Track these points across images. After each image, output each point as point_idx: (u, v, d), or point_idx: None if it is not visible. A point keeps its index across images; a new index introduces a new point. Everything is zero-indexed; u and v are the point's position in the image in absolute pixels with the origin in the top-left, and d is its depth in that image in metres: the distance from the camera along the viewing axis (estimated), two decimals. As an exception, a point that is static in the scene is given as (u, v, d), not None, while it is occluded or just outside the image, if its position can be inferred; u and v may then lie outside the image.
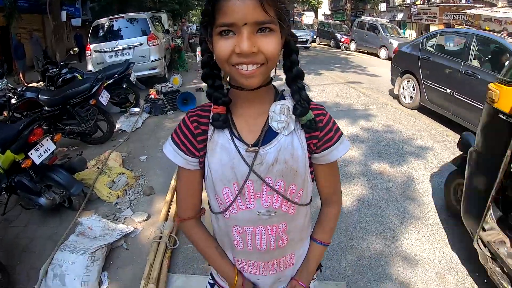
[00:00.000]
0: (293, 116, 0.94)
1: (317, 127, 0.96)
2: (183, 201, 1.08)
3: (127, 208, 3.60)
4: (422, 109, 6.52)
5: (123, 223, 3.30)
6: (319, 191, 1.10)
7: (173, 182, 3.79)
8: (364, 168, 4.18)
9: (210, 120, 0.96)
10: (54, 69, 6.81)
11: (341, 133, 1.01)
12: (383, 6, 27.60)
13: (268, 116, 0.95)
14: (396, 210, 3.33)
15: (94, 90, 5.01)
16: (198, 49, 8.28)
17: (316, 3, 33.00)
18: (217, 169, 0.96)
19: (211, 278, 1.24)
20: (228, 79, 0.95)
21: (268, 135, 0.95)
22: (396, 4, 27.44)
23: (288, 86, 0.97)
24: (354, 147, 4.73)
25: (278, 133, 0.95)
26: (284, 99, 0.98)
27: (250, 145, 0.94)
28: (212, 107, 0.97)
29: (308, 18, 36.67)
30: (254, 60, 0.82)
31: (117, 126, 5.98)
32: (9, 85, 5.09)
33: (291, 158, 0.95)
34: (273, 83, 0.99)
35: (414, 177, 3.94)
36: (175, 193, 1.05)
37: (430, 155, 4.52)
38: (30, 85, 7.37)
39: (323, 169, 1.05)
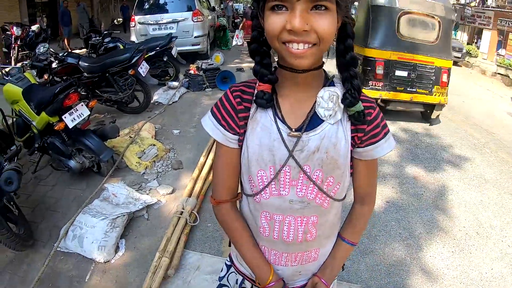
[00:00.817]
0: (342, 105, 0.88)
1: (365, 120, 0.89)
2: (220, 181, 1.02)
3: (154, 179, 3.64)
4: (466, 117, 6.21)
5: (147, 194, 3.34)
6: (355, 188, 1.04)
7: (201, 159, 3.79)
8: (397, 170, 4.03)
9: (254, 98, 0.91)
10: (97, 37, 6.97)
11: (388, 130, 0.95)
12: (436, 6, 26.51)
13: (315, 101, 0.89)
14: (424, 218, 3.19)
15: (134, 60, 5.06)
16: (236, 32, 7.99)
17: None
18: (255, 149, 0.92)
19: (228, 260, 1.21)
20: (276, 58, 0.90)
21: (312, 121, 0.90)
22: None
23: (340, 72, 0.91)
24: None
25: (323, 121, 0.89)
26: (334, 85, 0.91)
27: (293, 129, 0.89)
28: (257, 84, 0.91)
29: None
30: (305, 39, 0.76)
31: (154, 98, 6.06)
32: (51, 49, 5.23)
33: (334, 148, 0.89)
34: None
35: (448, 187, 3.76)
36: (212, 172, 1.00)
37: (467, 165, 4.30)
38: (73, 51, 7.55)
39: (363, 165, 0.98)
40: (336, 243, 1.08)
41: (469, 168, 4.24)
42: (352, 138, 0.92)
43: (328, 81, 0.93)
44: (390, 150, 0.95)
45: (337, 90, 0.89)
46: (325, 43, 0.78)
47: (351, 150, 0.94)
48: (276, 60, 0.90)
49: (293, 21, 0.73)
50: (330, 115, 0.88)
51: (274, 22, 0.77)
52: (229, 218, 1.04)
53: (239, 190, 1.06)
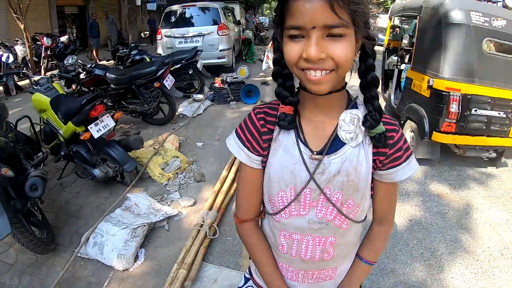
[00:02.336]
0: (363, 127, 0.89)
1: (387, 143, 0.90)
2: (243, 201, 1.05)
3: (176, 191, 3.69)
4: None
5: (168, 205, 3.39)
6: (374, 208, 1.04)
7: (224, 173, 3.82)
8: (421, 187, 3.94)
9: (277, 120, 0.93)
10: (125, 50, 7.17)
11: (411, 153, 0.95)
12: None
13: (337, 124, 0.90)
14: (447, 238, 3.10)
15: (159, 73, 5.18)
16: (266, 52, 7.67)
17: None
18: (276, 171, 0.93)
19: (248, 273, 1.23)
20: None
21: (334, 144, 0.91)
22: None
23: (362, 93, 0.91)
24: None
25: (344, 144, 0.90)
26: (357, 107, 0.92)
27: (315, 152, 0.90)
28: (280, 106, 0.93)
29: (382, 21, 35.39)
30: (322, 66, 0.77)
31: (179, 110, 6.16)
32: (79, 61, 5.42)
33: (354, 172, 0.90)
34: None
35: (473, 205, 3.65)
36: (233, 186, 1.03)
37: (494, 183, 4.17)
38: (101, 62, 7.80)
39: (384, 187, 0.98)
40: (354, 262, 1.08)
41: (495, 186, 4.10)
42: (374, 161, 0.92)
43: (351, 103, 0.93)
44: (412, 173, 0.95)
45: (359, 113, 0.89)
46: (343, 69, 0.79)
47: (372, 172, 0.94)
48: (299, 82, 0.92)
49: (309, 50, 0.75)
50: (352, 138, 0.89)
51: (292, 50, 0.79)
52: (251, 237, 1.07)
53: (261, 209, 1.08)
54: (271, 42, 12.57)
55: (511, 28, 3.92)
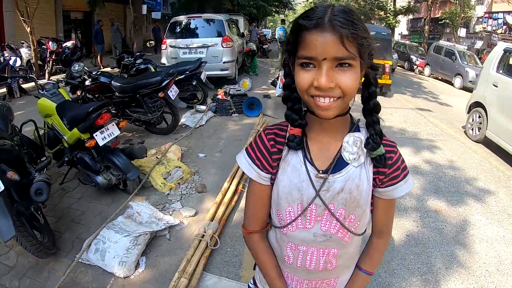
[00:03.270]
0: (365, 150, 0.97)
1: (386, 164, 0.98)
2: (251, 214, 1.12)
3: (177, 201, 3.72)
4: (492, 148, 6.13)
5: (170, 215, 3.42)
6: (373, 222, 1.12)
7: (225, 185, 3.87)
8: (419, 203, 3.99)
9: (286, 141, 1.00)
10: (130, 58, 7.24)
11: (407, 172, 1.03)
12: (462, 32, 26.22)
13: (341, 145, 0.98)
14: (444, 253, 3.14)
15: (164, 83, 5.24)
16: (280, 75, 7.31)
17: (394, 22, 32.16)
18: (285, 188, 1.01)
19: (252, 283, 1.29)
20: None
21: (338, 164, 0.98)
22: (477, 31, 25.99)
23: (364, 117, 1.00)
24: (413, 179, 4.44)
25: (348, 164, 0.98)
26: (359, 130, 1.00)
27: (321, 171, 0.98)
28: (289, 128, 1.01)
29: (384, 37, 35.73)
30: (331, 94, 0.85)
31: (182, 120, 6.21)
32: (85, 68, 5.48)
33: (356, 189, 0.98)
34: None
35: (470, 222, 3.69)
36: (245, 205, 1.10)
37: (491, 199, 4.22)
38: (105, 69, 7.87)
39: (383, 203, 1.07)
40: (354, 272, 1.15)
41: (492, 202, 4.16)
42: (374, 179, 1.00)
43: (353, 126, 1.01)
44: (408, 190, 1.03)
45: (361, 136, 0.97)
46: (348, 97, 0.87)
47: (372, 190, 1.02)
48: (307, 106, 0.99)
49: (320, 80, 0.82)
50: (355, 159, 0.97)
51: (303, 78, 0.86)
52: (258, 248, 1.14)
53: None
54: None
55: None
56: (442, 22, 26.92)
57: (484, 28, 25.06)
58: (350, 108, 0.98)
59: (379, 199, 1.05)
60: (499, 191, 4.47)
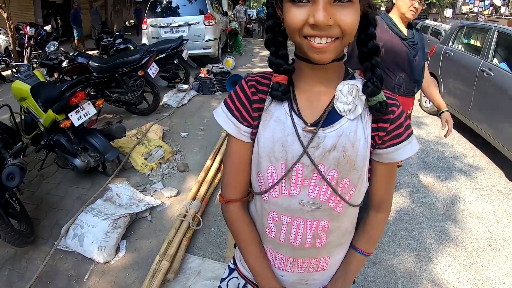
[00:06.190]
0: (363, 98, 0.82)
1: (388, 111, 0.82)
2: (230, 179, 0.96)
3: (159, 181, 3.60)
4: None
5: (151, 195, 3.30)
6: (371, 193, 0.96)
7: (208, 162, 3.74)
8: (408, 179, 3.92)
9: (269, 90, 0.86)
10: (109, 38, 7.01)
11: (412, 132, 0.89)
12: (449, 12, 26.24)
13: (334, 95, 0.83)
14: (434, 229, 3.08)
15: (143, 61, 5.06)
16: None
17: (380, 1, 31.93)
18: (266, 143, 0.86)
19: (232, 262, 1.14)
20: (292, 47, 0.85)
21: (330, 116, 0.83)
22: (463, 11, 26.05)
23: (361, 62, 0.84)
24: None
25: (341, 117, 0.83)
26: (355, 79, 0.85)
27: (309, 124, 0.83)
28: (273, 76, 0.86)
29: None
30: (328, 34, 0.71)
31: (164, 100, 6.06)
32: (61, 48, 5.27)
33: (352, 147, 0.83)
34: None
35: (460, 197, 3.64)
36: (222, 169, 0.95)
37: (480, 175, 4.17)
38: (85, 51, 7.61)
39: (382, 169, 0.91)
40: (349, 253, 1.00)
41: (482, 178, 4.11)
42: (373, 137, 0.85)
43: (349, 75, 0.86)
44: (413, 153, 0.88)
45: (358, 83, 0.83)
46: (348, 37, 0.73)
47: (370, 152, 0.87)
48: (294, 52, 0.85)
49: (317, 15, 0.68)
50: (350, 110, 0.82)
51: (296, 15, 0.71)
52: (237, 219, 0.98)
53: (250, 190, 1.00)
54: None
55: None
56: (429, 2, 26.87)
57: (471, 9, 25.12)
58: (345, 55, 0.84)
59: (378, 163, 0.90)
60: (488, 167, 4.43)
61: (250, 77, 0.90)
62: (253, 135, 0.89)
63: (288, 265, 0.96)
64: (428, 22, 19.06)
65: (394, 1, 2.34)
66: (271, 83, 0.86)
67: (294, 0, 0.71)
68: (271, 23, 0.83)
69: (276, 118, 0.85)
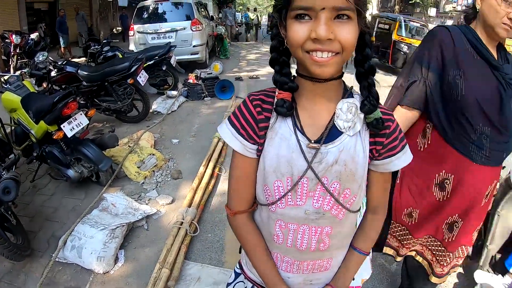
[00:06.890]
0: (361, 116, 0.88)
1: (384, 127, 0.89)
2: (236, 192, 1.01)
3: (153, 189, 3.61)
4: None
5: (146, 204, 3.31)
6: (368, 198, 1.04)
7: (201, 169, 3.76)
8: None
9: (274, 106, 0.90)
10: (96, 46, 6.97)
11: (406, 143, 0.95)
12: (433, 11, 26.59)
13: (334, 113, 0.89)
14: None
15: (132, 69, 5.06)
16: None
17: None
18: (272, 160, 0.91)
19: (238, 267, 1.20)
20: (295, 66, 0.90)
21: (331, 133, 0.89)
22: (447, 10, 26.41)
23: (358, 82, 0.91)
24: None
25: (342, 133, 0.89)
26: (353, 97, 0.91)
27: (312, 141, 0.88)
28: (277, 93, 0.91)
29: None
30: (329, 48, 0.76)
31: (153, 107, 6.05)
32: (50, 58, 5.23)
33: (352, 161, 0.89)
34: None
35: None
36: (228, 182, 0.99)
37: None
38: (72, 59, 7.56)
39: (379, 177, 0.99)
40: (349, 253, 1.08)
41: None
42: (370, 151, 0.92)
43: (347, 92, 0.93)
44: (407, 163, 0.95)
45: (355, 101, 0.89)
46: (347, 52, 0.79)
47: (368, 163, 0.94)
48: (295, 70, 0.90)
49: (318, 30, 0.74)
50: (350, 127, 0.88)
51: (298, 31, 0.77)
52: (244, 228, 1.04)
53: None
54: None
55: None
56: (413, 1, 27.18)
57: (454, 7, 25.44)
58: (343, 73, 0.89)
59: (375, 173, 0.98)
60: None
61: (254, 95, 0.94)
62: (259, 152, 0.94)
63: (294, 268, 1.02)
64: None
65: (477, 6, 1.46)
66: (275, 100, 0.91)
67: (297, 17, 0.77)
68: (275, 43, 0.89)
69: (281, 135, 0.90)
